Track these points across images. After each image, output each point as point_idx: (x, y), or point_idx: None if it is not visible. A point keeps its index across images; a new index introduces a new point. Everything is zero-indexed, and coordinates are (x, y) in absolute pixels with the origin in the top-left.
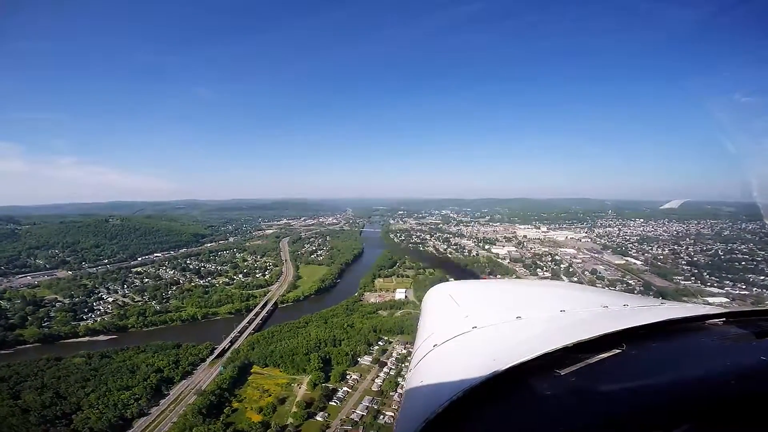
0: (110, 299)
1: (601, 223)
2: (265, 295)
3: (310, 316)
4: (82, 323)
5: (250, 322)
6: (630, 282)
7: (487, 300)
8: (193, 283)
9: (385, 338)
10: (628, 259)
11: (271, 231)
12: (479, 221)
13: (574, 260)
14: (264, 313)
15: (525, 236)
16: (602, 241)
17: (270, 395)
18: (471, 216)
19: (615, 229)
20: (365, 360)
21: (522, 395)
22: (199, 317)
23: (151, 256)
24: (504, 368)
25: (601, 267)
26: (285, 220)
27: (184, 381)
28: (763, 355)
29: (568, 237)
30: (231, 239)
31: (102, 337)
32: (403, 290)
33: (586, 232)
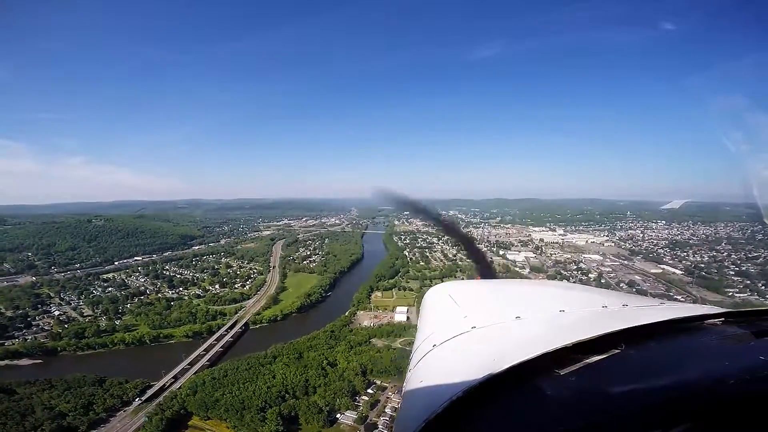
0: (57, 312)
1: (621, 226)
2: (237, 312)
3: (282, 347)
4: (7, 343)
5: (207, 350)
6: (678, 298)
7: (487, 300)
8: (160, 294)
9: (378, 382)
10: (665, 267)
11: (268, 232)
12: (489, 222)
13: (603, 268)
14: (229, 337)
15: (541, 240)
16: (627, 245)
17: None
18: (480, 217)
19: (638, 231)
20: (347, 417)
21: (521, 395)
22: (148, 340)
23: (129, 260)
24: (503, 368)
25: (637, 277)
26: (285, 221)
27: None
28: (762, 355)
29: (589, 241)
30: (223, 241)
31: (25, 362)
32: (405, 309)
33: (607, 236)
